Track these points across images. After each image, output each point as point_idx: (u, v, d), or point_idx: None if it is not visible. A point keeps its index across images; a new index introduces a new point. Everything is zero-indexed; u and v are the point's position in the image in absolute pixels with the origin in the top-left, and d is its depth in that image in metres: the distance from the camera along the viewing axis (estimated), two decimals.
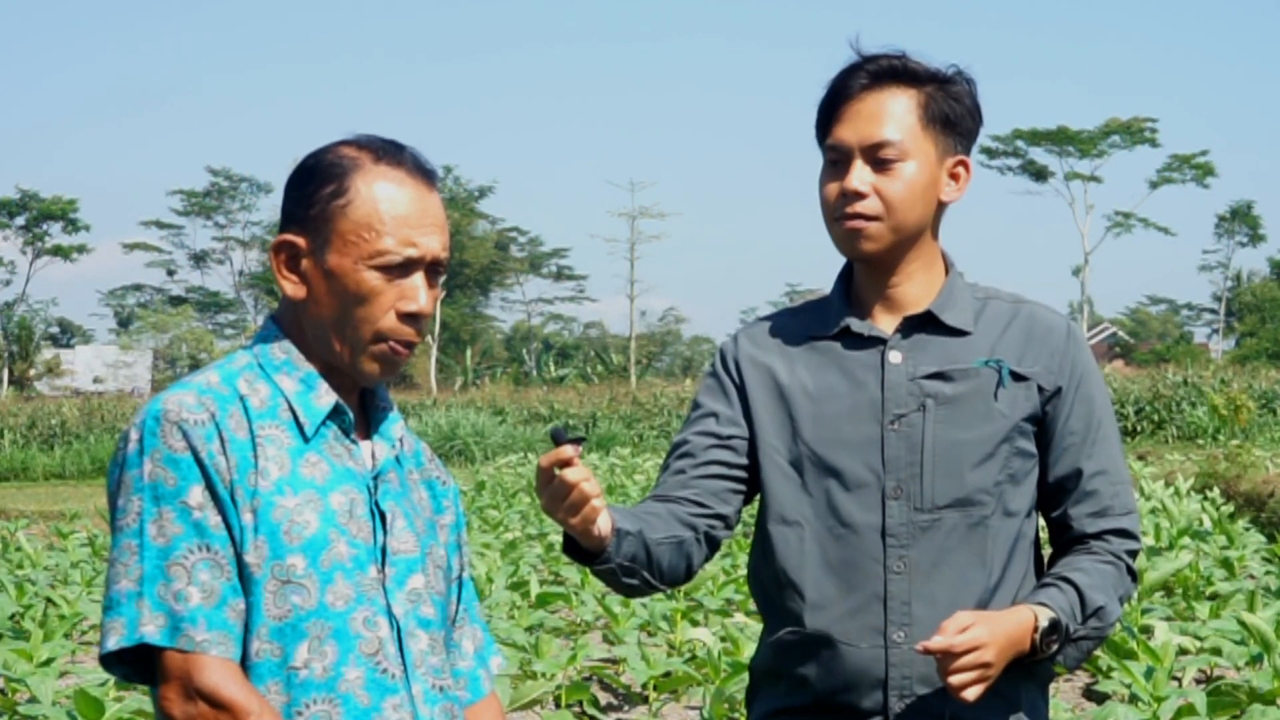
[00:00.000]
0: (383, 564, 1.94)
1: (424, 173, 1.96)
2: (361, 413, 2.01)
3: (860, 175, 2.23)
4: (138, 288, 73.15)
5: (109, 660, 1.85)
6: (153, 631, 1.79)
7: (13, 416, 33.64)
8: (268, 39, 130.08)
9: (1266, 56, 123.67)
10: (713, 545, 2.31)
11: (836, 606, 2.23)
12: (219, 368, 1.94)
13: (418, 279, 1.93)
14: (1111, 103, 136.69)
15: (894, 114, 2.24)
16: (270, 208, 67.57)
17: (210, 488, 1.83)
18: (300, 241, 1.92)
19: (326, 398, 1.94)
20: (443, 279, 2.01)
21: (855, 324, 2.30)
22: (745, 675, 6.24)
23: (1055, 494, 2.30)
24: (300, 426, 1.92)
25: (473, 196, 63.02)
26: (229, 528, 1.84)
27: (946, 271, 2.34)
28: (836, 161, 2.27)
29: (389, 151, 1.95)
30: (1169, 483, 16.74)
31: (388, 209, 1.91)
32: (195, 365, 56.68)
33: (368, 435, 2.00)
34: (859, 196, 2.23)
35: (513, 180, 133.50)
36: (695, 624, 8.07)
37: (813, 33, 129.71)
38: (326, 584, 1.87)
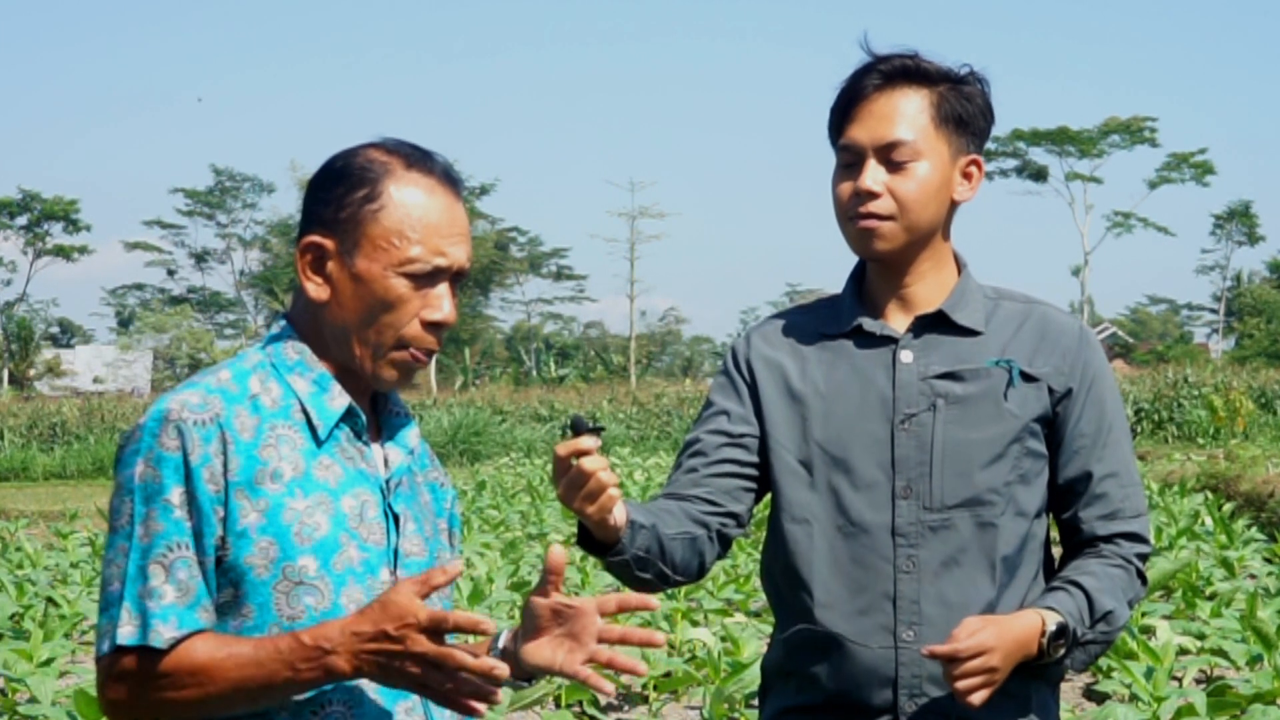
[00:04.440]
0: (395, 567, 1.93)
1: (452, 181, 1.95)
2: (372, 415, 2.00)
3: (874, 175, 2.23)
4: (139, 287, 73.15)
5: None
6: (129, 632, 1.80)
7: (13, 416, 33.60)
8: (269, 39, 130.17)
9: (1266, 56, 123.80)
10: (725, 543, 2.31)
11: (846, 605, 2.23)
12: (231, 365, 1.93)
13: (443, 288, 1.92)
14: (1111, 102, 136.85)
15: (907, 114, 2.24)
16: (272, 207, 67.57)
17: (190, 490, 1.82)
18: (328, 243, 1.91)
19: (340, 399, 1.93)
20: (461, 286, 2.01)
21: (867, 323, 2.30)
22: (745, 675, 6.25)
23: (1065, 496, 2.29)
24: (313, 429, 1.91)
25: (473, 194, 63.02)
26: (199, 535, 1.82)
27: (959, 272, 2.34)
28: (850, 162, 2.26)
29: (420, 158, 1.94)
30: (1169, 483, 16.73)
31: (419, 217, 1.90)
32: (195, 365, 56.72)
33: (378, 438, 2.00)
34: (872, 196, 2.23)
35: (513, 180, 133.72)
36: (695, 624, 8.07)
37: (813, 33, 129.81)
38: (340, 586, 1.86)
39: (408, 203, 1.90)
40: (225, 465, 1.83)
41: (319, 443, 1.91)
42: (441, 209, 1.92)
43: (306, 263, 1.92)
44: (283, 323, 1.99)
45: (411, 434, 2.02)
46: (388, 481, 1.96)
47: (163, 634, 1.79)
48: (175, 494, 1.81)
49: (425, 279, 1.91)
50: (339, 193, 1.91)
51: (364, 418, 1.95)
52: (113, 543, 1.84)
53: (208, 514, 1.82)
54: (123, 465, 1.85)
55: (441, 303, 1.92)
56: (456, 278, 1.95)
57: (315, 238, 1.92)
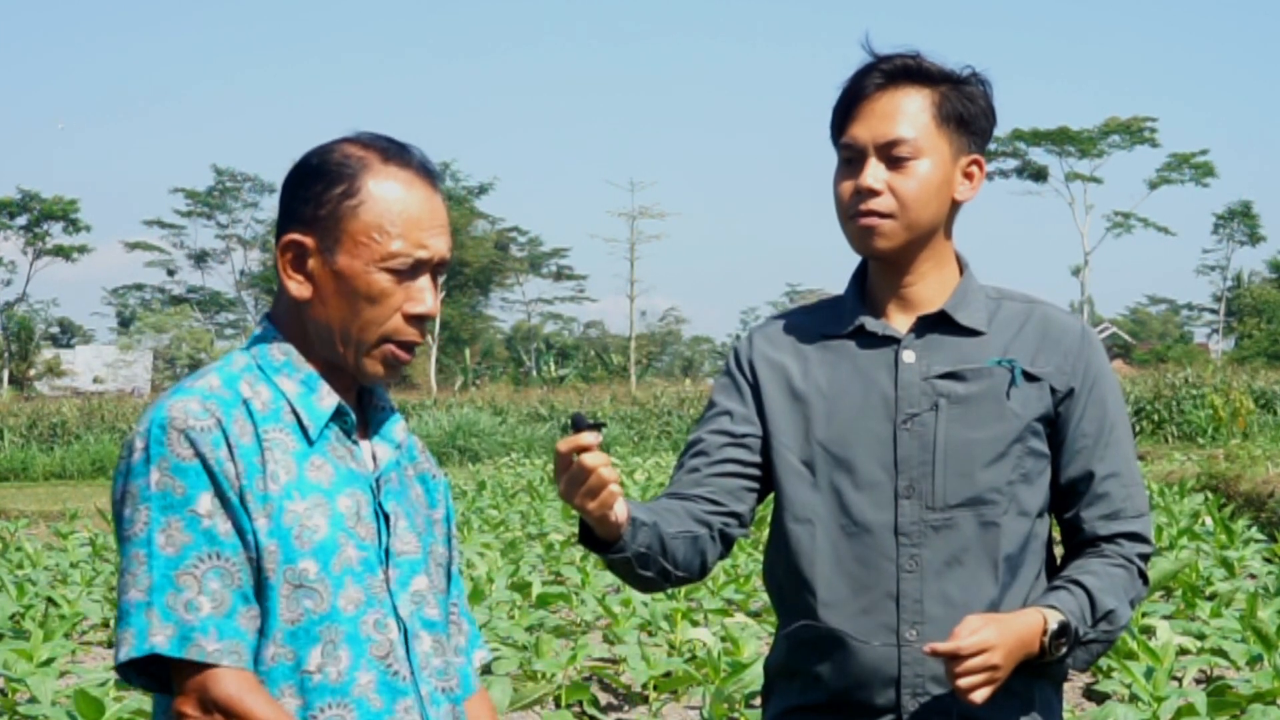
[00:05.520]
0: (387, 565, 1.93)
1: (429, 173, 1.95)
2: (359, 412, 2.00)
3: (875, 173, 2.24)
4: (139, 287, 73.14)
5: (125, 671, 1.83)
6: (161, 641, 1.78)
7: (13, 416, 33.60)
8: (268, 39, 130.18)
9: (1266, 56, 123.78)
10: (727, 543, 2.31)
11: (849, 604, 2.23)
12: (219, 370, 1.92)
13: (424, 281, 1.92)
14: (1111, 102, 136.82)
15: (908, 112, 2.24)
16: (272, 207, 67.43)
17: (220, 494, 1.81)
18: (308, 241, 1.90)
19: (329, 399, 1.93)
20: (443, 278, 2.00)
21: (870, 323, 2.30)
22: (745, 675, 6.24)
23: (1067, 496, 2.29)
24: (304, 429, 1.90)
25: (471, 193, 63.00)
26: (241, 534, 1.82)
27: (961, 272, 2.34)
28: (851, 160, 2.27)
29: (396, 151, 1.94)
30: (1169, 483, 16.73)
31: (399, 211, 1.89)
32: (195, 365, 56.69)
33: (366, 435, 2.00)
34: (873, 194, 2.23)
35: (512, 179, 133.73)
36: (695, 624, 8.06)
37: (814, 33, 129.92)
38: (338, 588, 1.86)
39: (387, 197, 1.89)
40: (234, 470, 1.83)
41: (310, 443, 1.90)
42: (420, 201, 1.92)
43: (287, 261, 1.92)
44: (266, 323, 1.98)
45: (398, 427, 2.02)
46: (377, 480, 1.96)
47: (205, 648, 1.78)
48: (203, 503, 1.81)
49: (407, 273, 1.90)
50: (317, 190, 1.90)
51: (354, 417, 1.95)
52: (126, 551, 1.82)
53: (240, 512, 1.82)
54: (131, 474, 1.83)
55: (424, 295, 1.92)
56: (437, 269, 1.94)
57: (295, 236, 1.91)
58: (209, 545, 1.80)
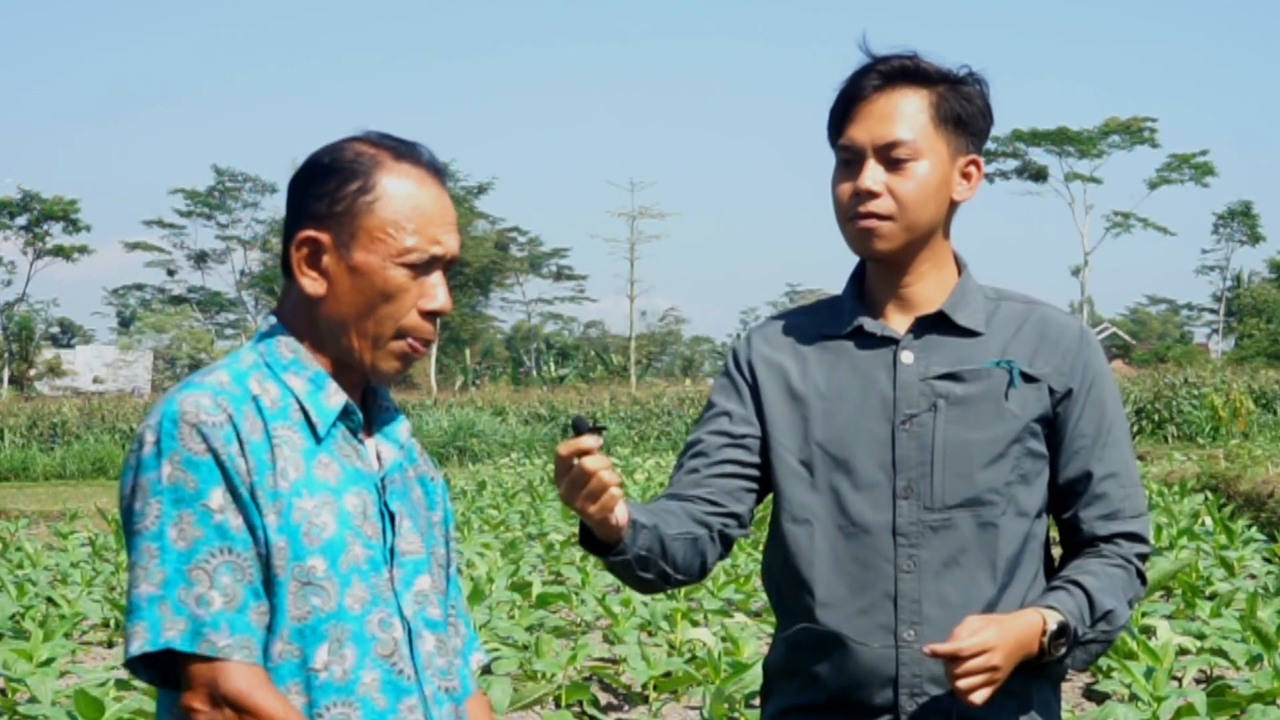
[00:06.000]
0: (391, 565, 1.94)
1: (438, 171, 1.97)
2: (364, 411, 2.00)
3: (873, 175, 2.24)
4: (139, 287, 73.12)
5: (134, 665, 1.84)
6: (174, 636, 1.78)
7: (13, 416, 33.54)
8: (268, 39, 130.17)
9: (1266, 56, 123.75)
10: (726, 544, 2.31)
11: (847, 605, 2.23)
12: (227, 367, 1.93)
13: (437, 276, 1.94)
14: (1111, 103, 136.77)
15: (906, 114, 2.24)
16: (273, 207, 67.45)
17: (231, 489, 1.82)
18: (323, 237, 1.91)
19: (336, 397, 1.94)
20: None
21: (868, 324, 2.30)
22: (745, 675, 6.24)
23: (1065, 496, 2.30)
24: (312, 427, 1.91)
25: (471, 193, 62.97)
26: (252, 529, 1.83)
27: (959, 272, 2.34)
28: (849, 161, 2.27)
29: (406, 150, 1.95)
30: (1169, 483, 16.73)
31: (414, 207, 1.91)
32: (195, 365, 56.69)
33: (370, 434, 2.00)
34: (872, 196, 2.24)
35: (512, 179, 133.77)
36: (695, 624, 8.07)
37: (814, 33, 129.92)
38: (345, 586, 1.87)
39: (401, 194, 1.91)
40: (245, 465, 1.83)
41: (318, 441, 1.91)
42: (433, 198, 1.93)
43: (302, 257, 1.92)
44: (272, 320, 1.98)
45: (402, 428, 2.03)
46: (382, 480, 1.97)
47: (216, 643, 1.79)
48: (215, 497, 1.81)
49: (421, 268, 1.92)
50: (330, 187, 1.91)
51: (360, 416, 1.96)
52: (136, 545, 1.83)
53: (250, 507, 1.83)
54: (142, 467, 1.84)
55: (437, 291, 1.94)
56: (448, 266, 1.96)
57: (310, 232, 1.92)
58: (220, 540, 1.81)
